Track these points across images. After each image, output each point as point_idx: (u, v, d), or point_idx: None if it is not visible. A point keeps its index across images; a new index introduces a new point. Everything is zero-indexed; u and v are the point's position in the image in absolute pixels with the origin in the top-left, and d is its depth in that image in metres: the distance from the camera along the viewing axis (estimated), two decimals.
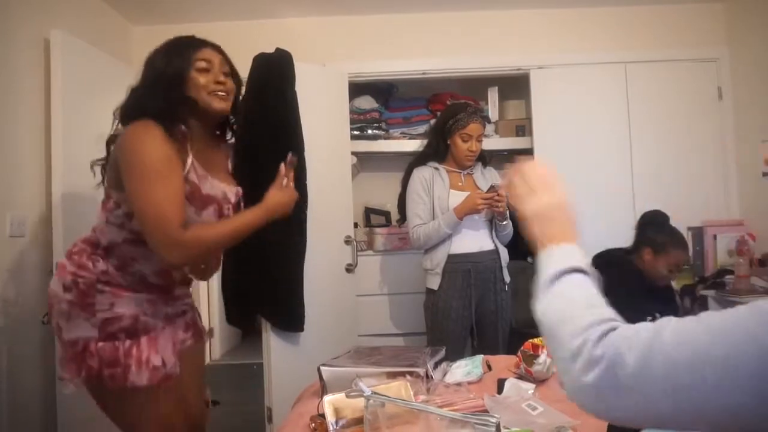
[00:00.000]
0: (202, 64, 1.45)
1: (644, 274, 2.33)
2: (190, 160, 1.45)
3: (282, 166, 1.59)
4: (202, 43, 1.50)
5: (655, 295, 2.37)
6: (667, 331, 0.60)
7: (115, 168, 1.40)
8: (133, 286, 1.46)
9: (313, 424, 1.29)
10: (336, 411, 1.23)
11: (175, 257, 1.36)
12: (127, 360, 1.40)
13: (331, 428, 1.20)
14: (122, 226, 1.44)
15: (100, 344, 1.39)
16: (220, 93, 1.47)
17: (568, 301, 0.71)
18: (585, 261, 0.77)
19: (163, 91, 1.41)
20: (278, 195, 1.55)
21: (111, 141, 1.51)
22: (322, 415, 1.25)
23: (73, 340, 1.41)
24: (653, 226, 2.39)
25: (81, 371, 1.40)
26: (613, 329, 0.64)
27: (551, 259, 0.77)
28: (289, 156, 1.60)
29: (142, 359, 1.42)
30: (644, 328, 0.63)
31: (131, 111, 1.43)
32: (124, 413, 1.48)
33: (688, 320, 0.61)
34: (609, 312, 0.68)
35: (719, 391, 0.54)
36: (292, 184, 1.60)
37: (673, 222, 2.41)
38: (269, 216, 1.52)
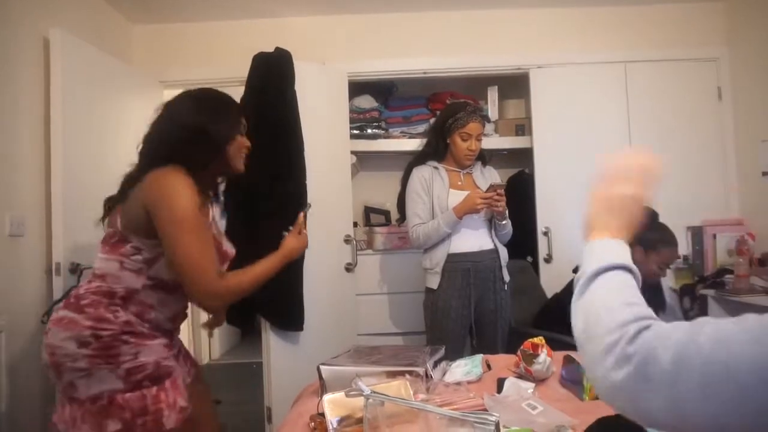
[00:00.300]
0: (244, 130, 1.57)
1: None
2: (211, 215, 1.52)
3: (300, 215, 1.72)
4: (240, 107, 1.61)
5: (644, 290, 2.39)
6: (704, 330, 0.59)
7: (138, 213, 1.39)
8: (152, 333, 1.45)
9: (313, 424, 1.29)
10: (335, 410, 1.23)
11: (213, 304, 1.48)
12: (157, 406, 1.38)
13: (330, 427, 1.20)
14: (140, 272, 1.42)
15: (128, 395, 1.36)
16: (245, 154, 1.58)
17: (607, 298, 0.70)
18: (630, 259, 0.75)
19: (210, 150, 1.47)
20: (294, 242, 1.67)
21: (130, 182, 1.46)
22: (322, 414, 1.25)
23: (96, 395, 1.35)
24: (641, 224, 2.38)
25: (104, 427, 1.34)
26: (648, 327, 0.63)
27: (596, 254, 0.76)
28: (306, 209, 1.79)
29: (170, 403, 1.40)
30: (681, 326, 0.62)
31: (164, 159, 1.42)
32: None
33: (727, 321, 0.60)
34: (646, 310, 0.67)
35: (755, 392, 0.53)
36: (306, 231, 1.72)
37: (672, 221, 2.41)
38: (286, 261, 1.64)
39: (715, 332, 0.59)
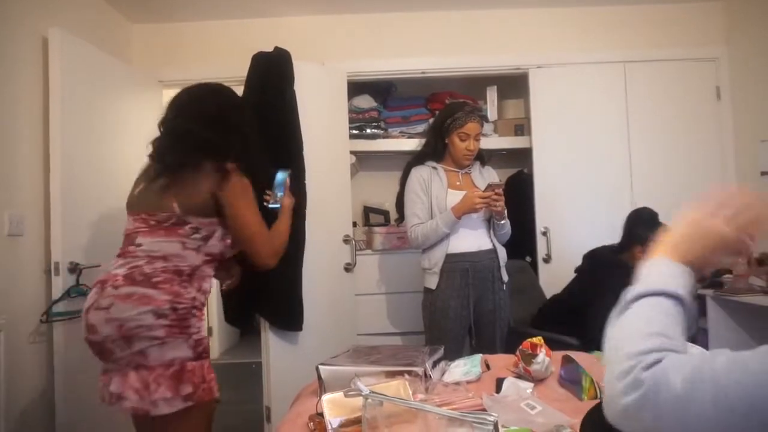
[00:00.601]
0: None
1: (635, 272, 2.35)
2: None
3: (287, 179, 1.97)
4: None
5: None
6: (720, 358, 0.60)
7: (204, 198, 1.61)
8: (203, 308, 1.65)
9: (312, 423, 1.29)
10: (334, 410, 1.23)
11: (274, 262, 1.80)
12: (210, 375, 1.58)
13: (329, 427, 1.20)
14: (199, 250, 1.62)
15: (194, 363, 1.54)
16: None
17: (637, 324, 0.69)
18: (683, 286, 0.72)
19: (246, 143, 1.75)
20: (290, 201, 1.96)
21: (173, 169, 1.63)
22: (321, 414, 1.25)
23: (169, 361, 1.50)
24: (642, 224, 2.41)
25: (179, 390, 1.49)
26: (666, 357, 0.63)
27: (651, 275, 0.74)
28: (288, 173, 2.00)
29: (212, 374, 1.60)
30: (698, 353, 0.62)
31: (204, 153, 1.64)
32: (198, 425, 1.59)
33: (744, 351, 0.60)
34: (671, 343, 0.66)
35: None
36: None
37: (672, 220, 2.41)
38: (290, 216, 1.94)
39: (731, 356, 0.59)
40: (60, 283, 2.27)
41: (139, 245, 1.60)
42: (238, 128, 1.71)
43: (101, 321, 1.51)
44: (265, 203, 1.89)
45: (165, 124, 1.71)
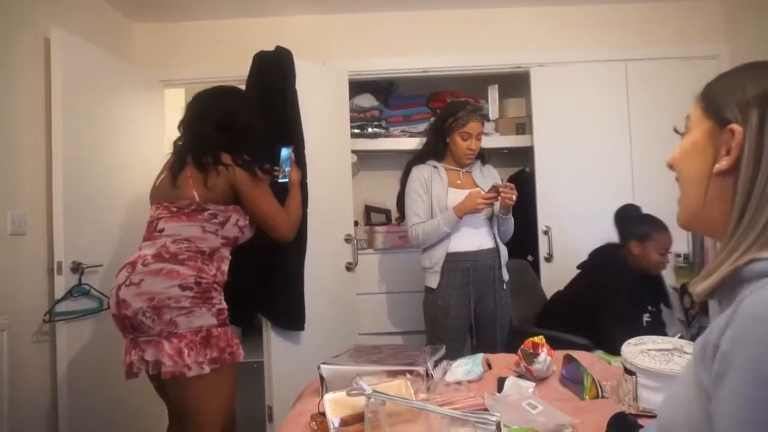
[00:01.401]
0: None
1: (638, 267, 2.41)
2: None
3: (291, 154, 2.16)
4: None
5: (648, 286, 2.49)
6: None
7: (223, 188, 1.82)
8: (222, 287, 1.83)
9: (314, 423, 1.30)
10: (336, 409, 1.23)
11: (292, 236, 2.05)
12: (234, 341, 1.77)
13: (331, 427, 1.21)
14: (216, 233, 1.83)
15: (220, 329, 1.73)
16: None
17: None
18: None
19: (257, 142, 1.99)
20: (297, 174, 2.20)
21: (204, 159, 1.83)
22: (323, 414, 1.25)
23: (197, 328, 1.69)
24: (629, 220, 2.49)
25: (205, 354, 1.68)
26: None
27: None
28: (291, 148, 2.19)
29: (236, 339, 1.80)
30: None
31: (225, 148, 1.86)
32: (224, 385, 1.78)
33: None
34: None
35: None
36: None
37: (674, 219, 2.42)
38: (299, 189, 2.18)
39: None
40: (63, 283, 2.28)
41: (162, 230, 1.79)
42: (248, 127, 1.93)
43: (132, 296, 1.68)
44: (275, 179, 2.07)
45: (184, 125, 1.95)
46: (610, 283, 2.33)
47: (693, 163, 0.75)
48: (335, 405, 1.24)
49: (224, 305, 1.79)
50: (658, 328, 2.52)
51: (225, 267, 1.86)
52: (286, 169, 2.11)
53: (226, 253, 1.87)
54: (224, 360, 1.71)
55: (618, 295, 2.29)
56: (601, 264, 2.49)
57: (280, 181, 2.09)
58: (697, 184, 0.74)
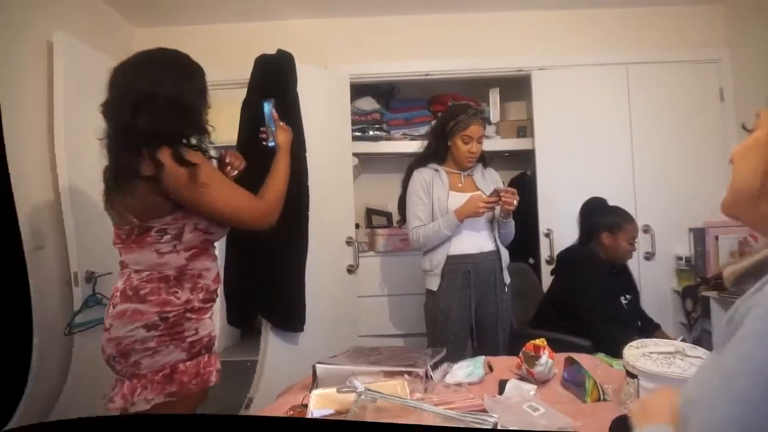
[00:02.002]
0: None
1: (606, 258, 2.50)
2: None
3: (274, 113, 1.78)
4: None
5: (618, 276, 2.56)
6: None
7: (153, 200, 1.44)
8: (205, 307, 1.55)
9: (292, 412, 1.29)
10: (321, 403, 1.22)
11: (271, 222, 1.60)
12: (207, 369, 1.53)
13: (309, 415, 1.20)
14: (176, 250, 1.50)
15: (188, 363, 1.50)
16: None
17: None
18: None
19: (192, 120, 1.56)
20: (284, 135, 1.76)
21: (125, 174, 1.48)
22: (305, 405, 1.24)
23: (160, 367, 1.47)
24: (598, 212, 2.59)
25: (163, 390, 1.47)
26: None
27: None
28: (272, 102, 1.80)
29: (215, 366, 1.57)
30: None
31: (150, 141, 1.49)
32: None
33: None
34: None
35: None
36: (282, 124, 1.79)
37: (675, 223, 2.44)
38: (287, 154, 1.73)
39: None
40: (80, 294, 2.25)
41: (124, 262, 1.55)
42: (175, 104, 1.47)
43: (105, 342, 1.51)
44: (263, 142, 1.76)
45: (104, 113, 1.57)
46: (585, 275, 2.43)
47: (752, 158, 0.78)
48: (321, 399, 1.23)
49: (201, 333, 1.53)
50: (638, 312, 2.64)
51: (204, 281, 1.55)
52: (272, 128, 1.75)
53: (200, 264, 1.54)
54: (189, 390, 1.50)
55: (594, 284, 2.40)
56: (572, 262, 2.57)
57: (269, 145, 1.75)
58: (752, 178, 0.77)
